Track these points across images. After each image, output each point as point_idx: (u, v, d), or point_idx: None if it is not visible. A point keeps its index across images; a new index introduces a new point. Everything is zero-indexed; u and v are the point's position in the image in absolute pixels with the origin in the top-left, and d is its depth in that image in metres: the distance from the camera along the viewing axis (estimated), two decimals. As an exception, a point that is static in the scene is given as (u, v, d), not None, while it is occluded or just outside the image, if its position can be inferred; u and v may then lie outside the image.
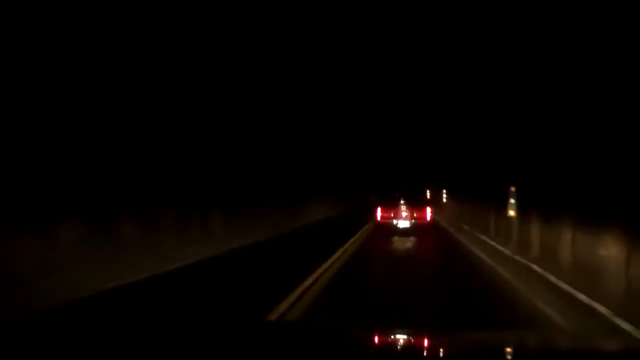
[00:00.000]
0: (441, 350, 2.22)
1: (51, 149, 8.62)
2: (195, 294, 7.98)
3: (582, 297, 7.39)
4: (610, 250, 7.43)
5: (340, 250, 13.27)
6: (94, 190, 9.59)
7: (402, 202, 19.72)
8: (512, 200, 12.85)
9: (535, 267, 10.06)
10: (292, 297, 7.48)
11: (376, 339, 2.44)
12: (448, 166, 31.34)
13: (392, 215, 19.48)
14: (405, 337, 2.48)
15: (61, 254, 8.41)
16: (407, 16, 19.92)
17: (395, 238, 17.55)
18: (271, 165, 20.18)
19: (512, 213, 12.92)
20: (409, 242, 16.91)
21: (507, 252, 12.61)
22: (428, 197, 24.56)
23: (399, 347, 2.35)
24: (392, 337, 2.52)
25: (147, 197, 11.03)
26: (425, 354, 2.23)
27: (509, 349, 2.26)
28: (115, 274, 8.51)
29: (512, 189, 12.77)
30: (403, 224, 19.29)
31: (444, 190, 33.73)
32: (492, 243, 14.58)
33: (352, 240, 16.22)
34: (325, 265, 10.60)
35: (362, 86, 29.60)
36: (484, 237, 16.12)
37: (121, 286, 8.08)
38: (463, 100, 21.64)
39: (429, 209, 20.12)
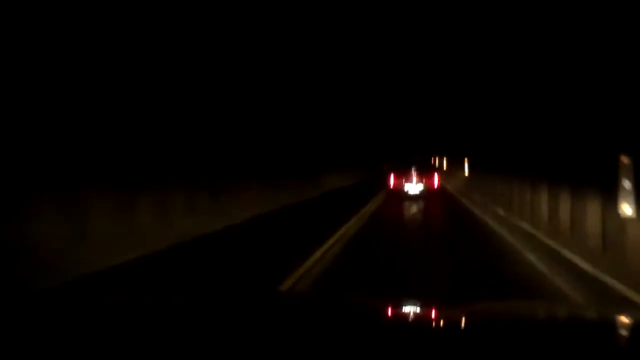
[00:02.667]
0: (453, 321, 2.30)
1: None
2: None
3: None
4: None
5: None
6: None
7: (412, 170, 22.94)
8: (628, 186, 7.99)
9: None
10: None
11: (388, 310, 2.51)
12: (450, 136, 34.87)
13: (403, 181, 22.63)
14: (419, 308, 2.55)
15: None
16: None
17: (407, 200, 21.62)
18: (293, 139, 23.22)
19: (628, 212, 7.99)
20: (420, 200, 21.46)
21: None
22: (436, 165, 27.75)
23: (411, 318, 2.41)
24: (406, 308, 2.59)
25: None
26: (438, 325, 2.28)
27: (521, 320, 2.30)
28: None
29: (625, 160, 8.03)
30: (413, 190, 22.44)
31: (445, 158, 37.28)
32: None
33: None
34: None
35: (374, 60, 30.08)
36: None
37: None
38: (475, 71, 23.21)
39: (436, 177, 23.48)
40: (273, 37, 18.18)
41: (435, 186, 23.02)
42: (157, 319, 2.14)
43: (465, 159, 29.54)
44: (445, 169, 41.32)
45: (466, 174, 29.32)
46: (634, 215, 7.74)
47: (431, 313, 2.49)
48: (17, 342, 1.75)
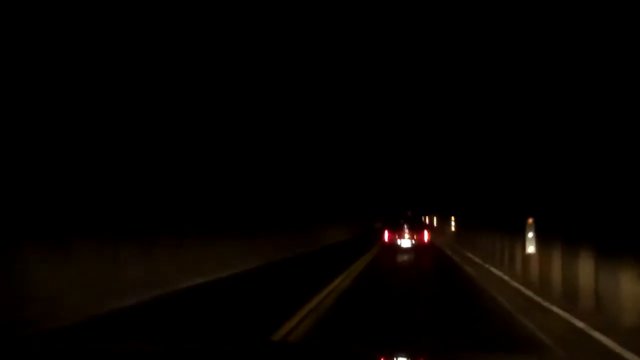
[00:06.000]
0: None
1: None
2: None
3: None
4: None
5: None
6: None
7: (405, 226, 26.11)
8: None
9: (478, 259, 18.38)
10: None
11: None
12: (443, 194, 36.92)
13: (396, 237, 25.61)
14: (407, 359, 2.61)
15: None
16: (417, 41, 20.41)
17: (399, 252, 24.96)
18: (291, 198, 25.54)
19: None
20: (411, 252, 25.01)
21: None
22: (426, 222, 30.02)
23: None
24: (395, 358, 2.66)
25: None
26: None
27: None
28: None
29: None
30: (405, 243, 25.37)
31: (435, 217, 40.27)
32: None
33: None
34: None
35: (368, 117, 31.37)
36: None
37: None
38: (468, 131, 23.87)
39: (426, 233, 26.55)
40: (270, 97, 19.81)
41: (426, 241, 26.14)
42: None
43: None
44: (435, 225, 43.73)
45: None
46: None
47: None
48: None
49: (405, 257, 22.46)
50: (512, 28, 12.28)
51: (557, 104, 10.50)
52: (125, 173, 11.38)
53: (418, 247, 25.27)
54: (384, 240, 26.21)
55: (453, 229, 31.25)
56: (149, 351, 2.49)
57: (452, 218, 31.84)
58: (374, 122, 32.31)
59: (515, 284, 12.61)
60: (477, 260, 18.85)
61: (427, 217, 49.38)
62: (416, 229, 26.32)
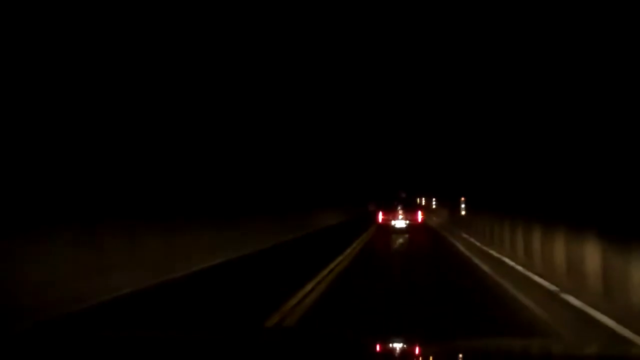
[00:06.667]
0: (438, 357, 2.37)
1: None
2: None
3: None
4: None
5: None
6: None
7: (399, 207, 26.95)
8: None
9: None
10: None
11: (374, 346, 2.63)
12: (439, 176, 37.32)
13: (390, 217, 26.39)
14: (403, 344, 2.65)
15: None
16: (412, 28, 20.29)
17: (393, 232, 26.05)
18: (289, 184, 26.38)
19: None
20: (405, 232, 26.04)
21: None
22: (421, 203, 30.31)
23: (396, 354, 2.51)
24: (391, 344, 2.71)
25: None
26: None
27: (506, 356, 2.36)
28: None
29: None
30: (400, 224, 26.18)
31: (433, 199, 40.74)
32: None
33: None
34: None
35: (362, 103, 32.17)
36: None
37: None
38: (459, 115, 24.17)
39: (420, 213, 27.37)
40: (265, 84, 20.09)
41: (420, 221, 26.86)
42: (152, 355, 2.30)
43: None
44: (434, 207, 43.98)
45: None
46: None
47: (419, 350, 2.55)
48: None
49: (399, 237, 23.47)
50: (503, 14, 12.32)
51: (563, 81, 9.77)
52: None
53: (412, 227, 25.82)
54: (378, 221, 26.77)
55: (463, 212, 26.33)
56: (145, 340, 2.59)
57: (462, 199, 26.39)
58: (369, 104, 32.61)
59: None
60: (535, 277, 10.22)
61: (423, 198, 49.72)
62: (410, 210, 26.97)
